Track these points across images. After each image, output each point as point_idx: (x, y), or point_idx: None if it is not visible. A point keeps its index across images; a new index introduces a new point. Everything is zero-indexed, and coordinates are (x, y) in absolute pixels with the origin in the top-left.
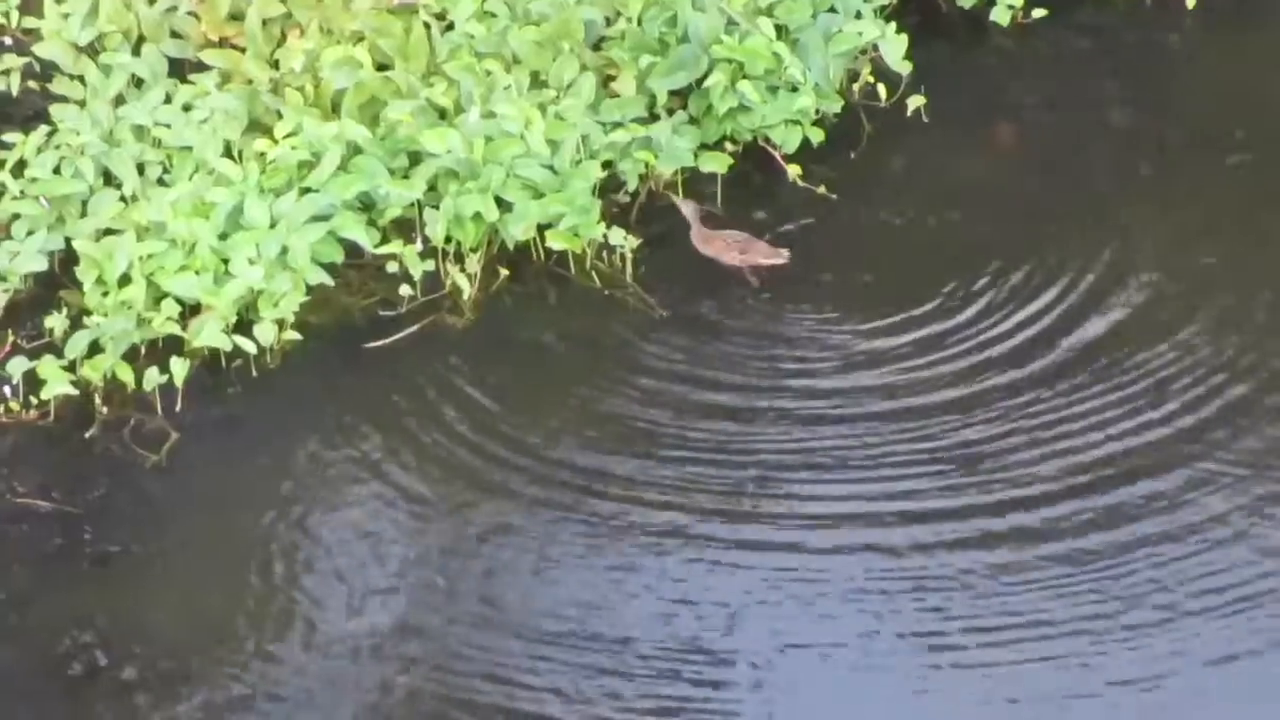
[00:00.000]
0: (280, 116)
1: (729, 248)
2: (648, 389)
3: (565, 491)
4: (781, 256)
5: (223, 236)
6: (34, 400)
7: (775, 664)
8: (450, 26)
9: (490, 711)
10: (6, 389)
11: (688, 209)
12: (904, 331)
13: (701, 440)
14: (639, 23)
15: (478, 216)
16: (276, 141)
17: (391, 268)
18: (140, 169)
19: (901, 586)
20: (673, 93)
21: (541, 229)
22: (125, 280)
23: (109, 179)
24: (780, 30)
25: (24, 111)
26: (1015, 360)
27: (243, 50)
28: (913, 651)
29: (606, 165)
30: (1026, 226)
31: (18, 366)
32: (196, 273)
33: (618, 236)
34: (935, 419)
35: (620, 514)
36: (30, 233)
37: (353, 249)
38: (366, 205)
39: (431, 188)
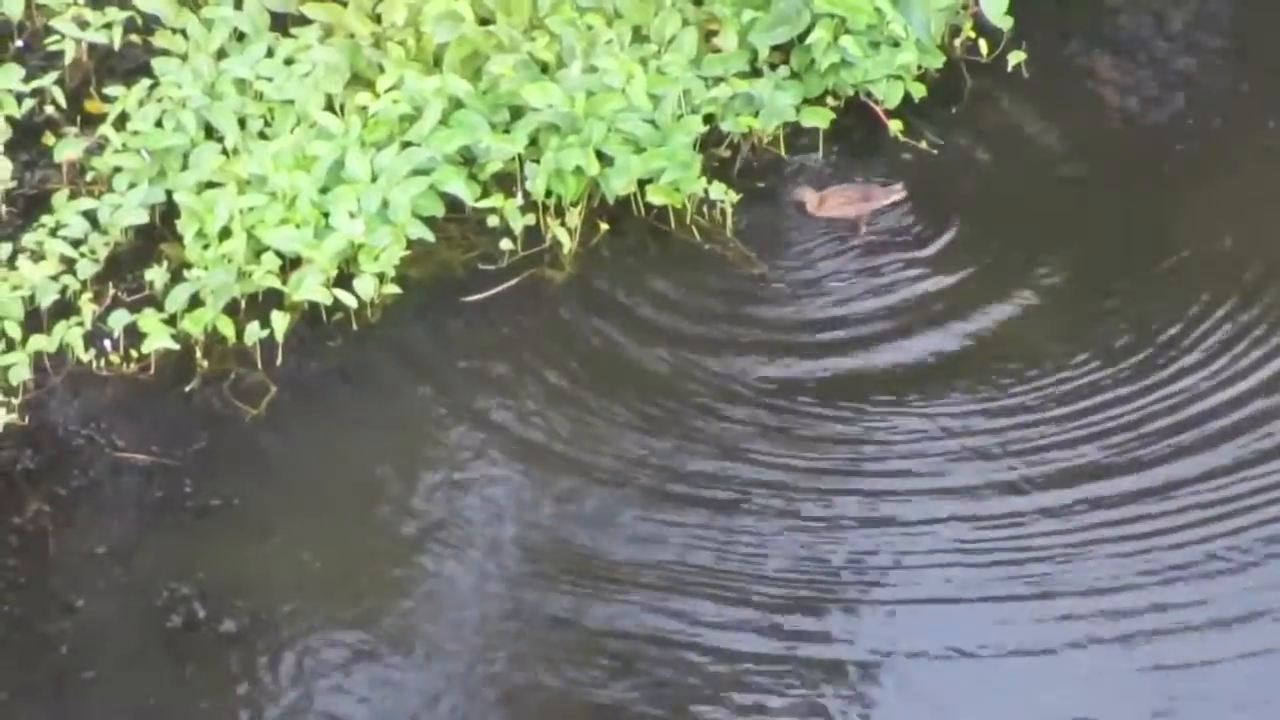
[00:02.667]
0: (382, 70)
1: (849, 202)
2: (750, 346)
3: (665, 447)
4: (899, 192)
5: (323, 190)
6: (134, 354)
7: None
8: None
9: (604, 667)
10: (107, 342)
11: (806, 194)
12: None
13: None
14: None
15: (578, 170)
16: (378, 95)
17: (492, 222)
18: (241, 122)
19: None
20: (774, 48)
21: (642, 183)
22: (226, 233)
23: (210, 132)
24: None
25: (126, 65)
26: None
27: (345, 4)
28: None
29: (708, 120)
30: (1148, 193)
31: (119, 320)
32: (297, 226)
33: (718, 191)
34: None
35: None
36: (132, 185)
37: (453, 203)
38: (467, 159)
39: (532, 142)
